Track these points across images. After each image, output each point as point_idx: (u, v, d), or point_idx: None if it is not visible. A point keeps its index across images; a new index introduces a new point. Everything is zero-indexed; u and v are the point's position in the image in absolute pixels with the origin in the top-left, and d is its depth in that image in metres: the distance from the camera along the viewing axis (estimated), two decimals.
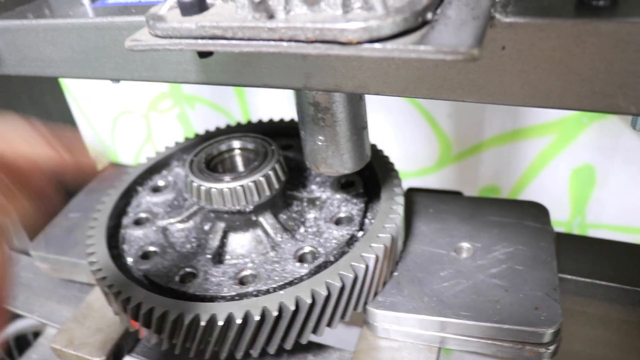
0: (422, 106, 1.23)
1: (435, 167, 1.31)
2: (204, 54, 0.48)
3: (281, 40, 0.41)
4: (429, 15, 0.39)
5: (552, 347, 0.61)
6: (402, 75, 0.49)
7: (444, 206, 0.77)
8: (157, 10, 0.46)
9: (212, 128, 0.94)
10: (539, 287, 0.64)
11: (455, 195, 0.81)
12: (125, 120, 1.67)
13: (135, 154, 1.74)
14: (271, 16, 0.41)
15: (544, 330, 0.60)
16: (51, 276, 0.92)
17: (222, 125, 0.93)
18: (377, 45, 0.37)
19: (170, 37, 0.45)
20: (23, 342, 2.04)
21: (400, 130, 1.27)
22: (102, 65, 0.64)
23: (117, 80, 0.68)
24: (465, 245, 0.71)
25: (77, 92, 1.65)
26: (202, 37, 0.43)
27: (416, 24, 0.38)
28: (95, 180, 1.03)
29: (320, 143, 0.60)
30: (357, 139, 0.60)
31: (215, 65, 0.56)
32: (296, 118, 0.91)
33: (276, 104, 1.39)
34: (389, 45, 0.37)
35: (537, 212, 0.75)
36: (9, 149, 0.42)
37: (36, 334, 2.10)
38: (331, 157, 0.61)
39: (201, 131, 0.92)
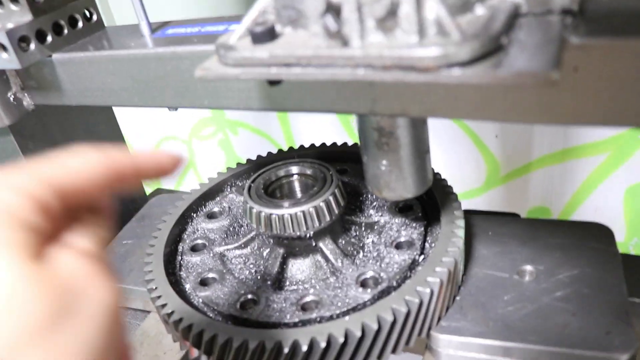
0: (469, 127, 1.22)
1: (482, 189, 1.30)
2: (274, 82, 0.48)
3: (357, 66, 0.41)
4: (504, 40, 0.39)
5: None
6: (471, 99, 0.48)
7: (503, 229, 0.76)
8: (226, 39, 0.46)
9: (254, 154, 0.93)
10: (609, 310, 0.63)
11: (513, 217, 0.80)
12: (167, 146, 1.70)
13: (177, 180, 1.76)
14: (345, 43, 0.41)
15: (618, 356, 0.58)
16: None
17: (264, 151, 0.93)
18: (455, 71, 0.37)
19: (242, 66, 0.45)
20: None
21: (445, 151, 1.26)
22: (162, 94, 0.65)
23: (175, 108, 0.69)
24: (528, 268, 0.69)
25: (118, 116, 1.68)
26: (275, 65, 0.44)
27: (492, 49, 0.38)
28: (145, 206, 1.04)
29: (383, 168, 0.60)
30: (420, 162, 0.60)
31: (281, 92, 0.56)
32: (349, 142, 0.91)
33: (320, 129, 1.40)
34: (468, 71, 0.37)
35: (600, 233, 0.73)
36: (77, 180, 0.39)
37: None
38: (394, 181, 0.61)
39: (243, 158, 0.92)
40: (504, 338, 0.62)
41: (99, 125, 0.98)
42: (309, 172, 0.73)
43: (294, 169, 0.74)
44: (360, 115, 0.58)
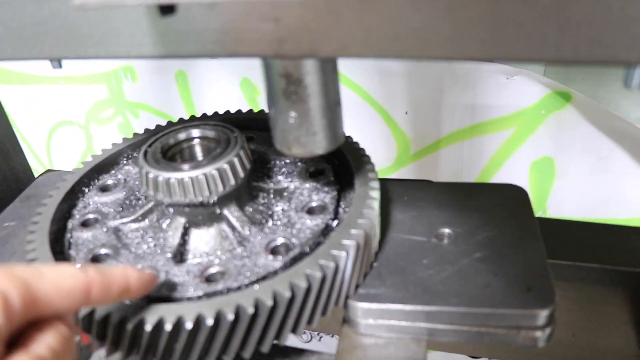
0: (379, 104, 1.20)
1: (393, 167, 1.28)
2: (166, 10, 0.42)
3: None
4: None
5: (547, 330, 0.58)
6: (385, 31, 0.44)
7: (418, 193, 0.73)
8: None
9: None
10: (528, 268, 0.61)
11: (426, 182, 0.77)
12: (62, 132, 1.58)
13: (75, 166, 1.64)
14: None
15: (539, 312, 0.56)
16: None
17: None
18: None
19: None
20: None
21: (356, 129, 1.22)
22: (41, 43, 0.57)
23: (58, 60, 0.61)
24: (446, 231, 0.67)
25: (6, 101, 1.54)
26: None
27: None
28: (31, 185, 0.94)
29: (292, 121, 0.55)
30: (331, 115, 0.56)
31: (176, 35, 0.50)
32: (254, 109, 0.86)
33: (225, 107, 1.33)
34: None
35: (516, 194, 0.72)
36: (49, 291, 0.42)
37: None
38: (304, 135, 0.56)
39: None
40: (425, 302, 0.59)
41: None
42: (211, 135, 0.67)
43: (195, 132, 0.68)
44: (265, 60, 0.53)
